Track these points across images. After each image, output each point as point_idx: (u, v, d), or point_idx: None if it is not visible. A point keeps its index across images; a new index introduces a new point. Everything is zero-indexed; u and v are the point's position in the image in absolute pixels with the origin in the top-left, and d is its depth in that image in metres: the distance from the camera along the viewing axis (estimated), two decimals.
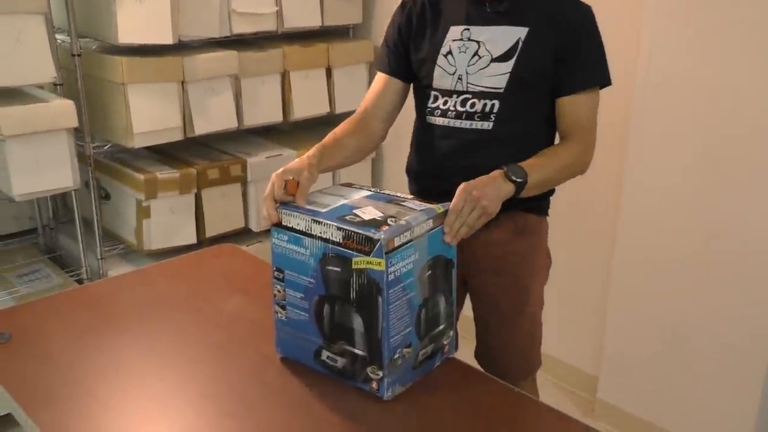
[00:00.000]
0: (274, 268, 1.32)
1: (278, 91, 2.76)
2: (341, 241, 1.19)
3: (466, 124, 1.48)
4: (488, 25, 1.46)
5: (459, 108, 1.48)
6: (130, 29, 2.31)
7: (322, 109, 2.93)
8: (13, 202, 2.29)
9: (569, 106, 1.46)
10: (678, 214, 2.20)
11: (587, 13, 1.46)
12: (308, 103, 2.87)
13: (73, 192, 2.38)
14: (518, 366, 1.62)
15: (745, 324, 2.11)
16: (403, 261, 1.19)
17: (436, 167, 1.55)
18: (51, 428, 1.17)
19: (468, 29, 1.47)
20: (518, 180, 1.35)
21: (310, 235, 1.23)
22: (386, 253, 1.15)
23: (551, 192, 1.59)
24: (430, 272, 1.26)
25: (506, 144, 1.47)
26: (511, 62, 1.43)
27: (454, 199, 1.27)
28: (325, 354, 1.28)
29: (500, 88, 1.44)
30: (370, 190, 1.37)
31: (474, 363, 1.55)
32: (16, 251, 2.85)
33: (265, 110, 2.74)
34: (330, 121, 3.15)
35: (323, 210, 1.25)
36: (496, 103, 1.45)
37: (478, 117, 1.46)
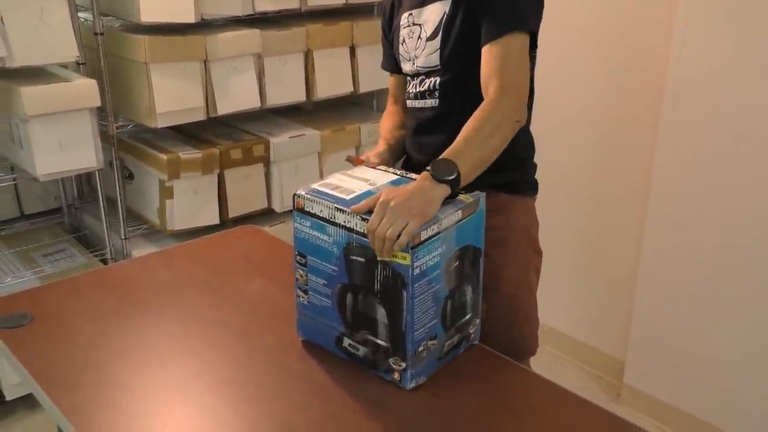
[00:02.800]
0: (297, 253, 1.30)
1: (301, 70, 2.73)
2: (365, 231, 1.16)
3: (420, 103, 1.53)
4: (424, 5, 1.48)
5: (416, 89, 1.53)
6: (153, 8, 2.28)
7: (346, 88, 2.89)
8: (38, 182, 2.30)
9: (485, 57, 1.35)
10: (709, 198, 2.14)
11: None
12: (332, 83, 2.83)
13: (97, 172, 2.37)
14: (499, 348, 1.47)
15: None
16: (430, 254, 1.15)
17: (408, 146, 1.61)
18: (72, 410, 1.17)
19: (411, 13, 1.51)
20: (448, 179, 1.21)
21: (334, 223, 1.20)
22: (412, 248, 1.12)
23: (522, 167, 1.51)
24: (457, 263, 1.23)
25: (452, 118, 1.40)
26: (438, 39, 1.45)
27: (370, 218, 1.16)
28: (346, 341, 1.26)
29: (436, 65, 1.47)
30: (397, 174, 1.34)
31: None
32: (41, 230, 2.86)
33: (288, 90, 2.71)
34: (354, 101, 3.12)
35: (347, 197, 1.22)
36: (438, 79, 1.47)
37: (428, 95, 1.50)
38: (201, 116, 2.48)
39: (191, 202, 2.53)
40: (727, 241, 2.13)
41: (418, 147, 1.56)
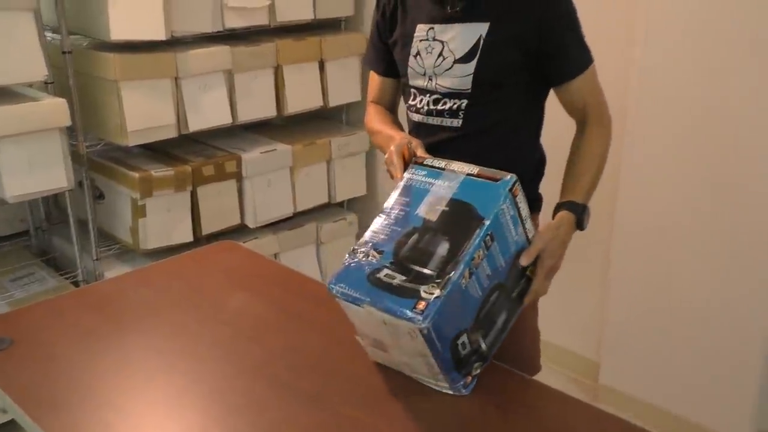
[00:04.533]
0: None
1: (271, 85, 2.74)
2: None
3: (437, 121, 1.48)
4: (450, 23, 1.42)
5: (431, 106, 1.48)
6: (122, 25, 2.27)
7: (316, 102, 2.91)
8: (5, 204, 2.26)
9: (571, 92, 1.44)
10: (678, 198, 2.20)
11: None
12: (302, 97, 2.85)
13: (66, 192, 2.34)
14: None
15: (744, 304, 2.12)
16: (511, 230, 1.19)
17: None
18: None
19: (432, 28, 1.44)
20: (585, 219, 1.40)
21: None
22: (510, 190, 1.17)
23: (531, 185, 1.53)
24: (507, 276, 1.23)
25: (476, 138, 1.46)
26: (473, 63, 1.40)
27: (536, 279, 1.30)
28: (384, 272, 1.13)
29: (467, 89, 1.42)
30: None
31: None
32: (7, 254, 2.81)
33: (258, 105, 2.72)
34: (323, 114, 3.13)
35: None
36: (464, 102, 1.44)
37: (447, 114, 1.46)
38: (173, 133, 2.47)
39: (164, 220, 2.51)
40: (696, 240, 2.19)
41: None
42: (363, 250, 1.17)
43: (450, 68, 1.42)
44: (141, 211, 2.45)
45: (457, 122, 1.46)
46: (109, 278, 1.76)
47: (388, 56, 1.58)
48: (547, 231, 1.31)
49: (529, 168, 1.51)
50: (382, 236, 1.18)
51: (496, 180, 1.19)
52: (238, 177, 2.68)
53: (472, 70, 1.40)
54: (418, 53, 1.47)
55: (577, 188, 1.41)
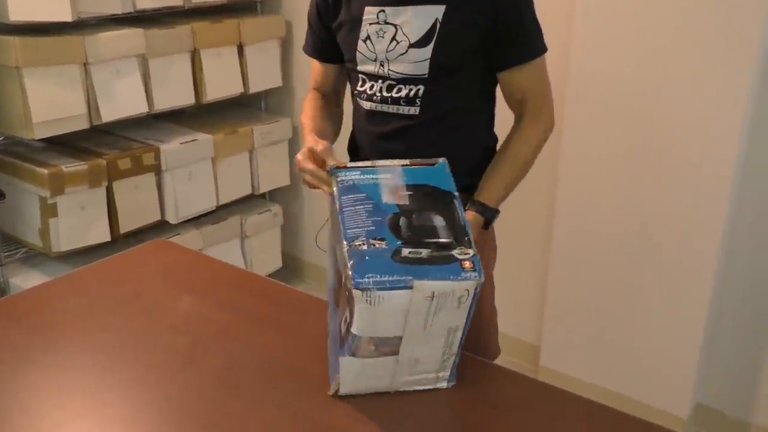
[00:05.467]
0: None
1: (189, 71, 2.56)
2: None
3: (392, 108, 1.41)
4: (403, 5, 1.34)
5: (384, 93, 1.40)
6: (23, 5, 2.05)
7: (236, 89, 2.75)
8: None
9: (511, 81, 1.40)
10: (615, 178, 2.23)
11: None
12: (221, 83, 2.68)
13: None
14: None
15: (681, 282, 2.17)
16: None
17: (367, 150, 1.49)
18: None
19: (383, 11, 1.36)
20: (493, 222, 1.40)
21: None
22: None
23: (485, 148, 1.49)
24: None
25: (433, 125, 1.40)
26: (430, 47, 1.33)
27: None
28: (406, 251, 1.09)
29: (423, 74, 1.35)
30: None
31: None
32: None
33: (176, 92, 2.54)
34: (240, 102, 2.98)
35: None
36: (421, 88, 1.37)
37: (403, 102, 1.39)
38: (84, 124, 2.26)
39: (78, 219, 2.30)
40: (634, 222, 2.22)
41: (384, 153, 1.37)
42: (359, 242, 1.08)
43: (404, 53, 1.35)
44: (51, 210, 2.23)
45: (414, 110, 1.39)
46: (31, 287, 1.56)
47: (329, 41, 1.49)
48: None
49: (483, 154, 1.46)
50: (369, 228, 1.10)
51: (432, 164, 1.21)
52: (157, 170, 2.50)
53: (429, 55, 1.33)
54: (368, 37, 1.38)
55: (493, 191, 1.39)
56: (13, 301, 1.53)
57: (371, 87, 1.42)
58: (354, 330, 1.05)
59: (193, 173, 2.62)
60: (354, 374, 1.12)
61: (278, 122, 2.92)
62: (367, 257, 1.05)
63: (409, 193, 1.16)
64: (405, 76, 1.37)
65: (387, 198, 1.15)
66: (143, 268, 1.61)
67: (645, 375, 2.31)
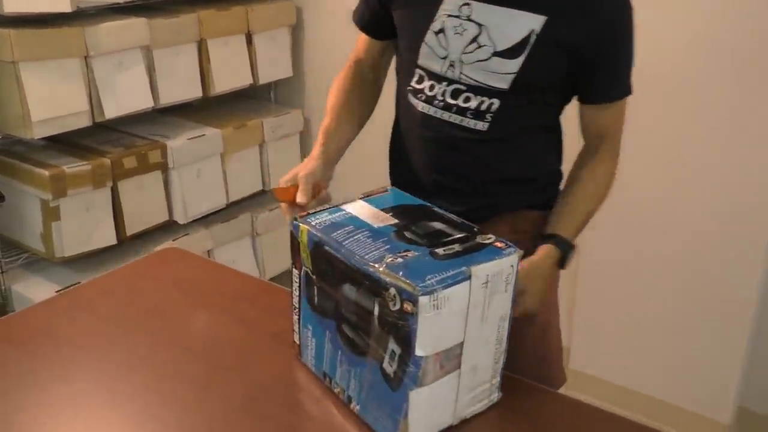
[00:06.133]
0: None
1: (195, 62, 2.43)
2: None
3: (454, 119, 1.22)
4: (496, 4, 1.14)
5: (449, 99, 1.21)
6: None
7: (245, 80, 2.62)
8: None
9: (598, 116, 1.25)
10: (645, 183, 2.11)
11: (626, 3, 1.16)
12: (229, 75, 2.55)
13: None
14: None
15: (723, 283, 2.06)
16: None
17: (420, 157, 1.30)
18: None
19: (469, 4, 1.15)
20: (568, 259, 1.24)
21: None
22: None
23: (558, 182, 1.35)
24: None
25: (498, 146, 1.24)
26: (519, 61, 1.14)
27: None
28: (440, 251, 1.04)
29: (502, 88, 1.17)
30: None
31: None
32: None
33: (182, 85, 2.40)
34: (248, 93, 2.85)
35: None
36: (496, 102, 1.18)
37: (470, 114, 1.20)
38: (86, 122, 2.13)
39: (82, 222, 2.17)
40: (672, 220, 2.11)
41: (439, 166, 1.28)
42: (390, 259, 0.98)
43: (486, 60, 1.15)
44: (54, 213, 2.11)
45: (482, 125, 1.21)
46: (34, 305, 1.44)
47: (383, 17, 1.30)
48: (529, 266, 1.16)
49: (549, 177, 1.33)
50: (384, 247, 1.02)
51: (385, 191, 1.19)
52: (164, 168, 2.37)
53: (516, 69, 1.15)
54: (441, 30, 1.18)
55: (571, 224, 1.24)
56: (16, 320, 1.40)
57: (431, 88, 1.22)
58: (418, 352, 0.94)
59: (202, 170, 2.49)
60: (423, 410, 1.00)
61: (289, 114, 2.79)
62: (411, 266, 0.97)
63: (390, 214, 1.11)
64: (480, 85, 1.18)
65: (375, 223, 1.08)
66: (154, 281, 1.48)
67: (685, 379, 2.19)
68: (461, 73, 1.18)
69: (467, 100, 1.19)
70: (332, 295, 1.06)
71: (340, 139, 1.29)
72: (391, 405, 1.00)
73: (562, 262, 1.22)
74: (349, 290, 1.02)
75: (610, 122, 1.25)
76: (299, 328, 1.18)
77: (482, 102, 1.19)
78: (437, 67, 1.20)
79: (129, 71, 2.20)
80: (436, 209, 1.14)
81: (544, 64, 1.15)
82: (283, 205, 1.19)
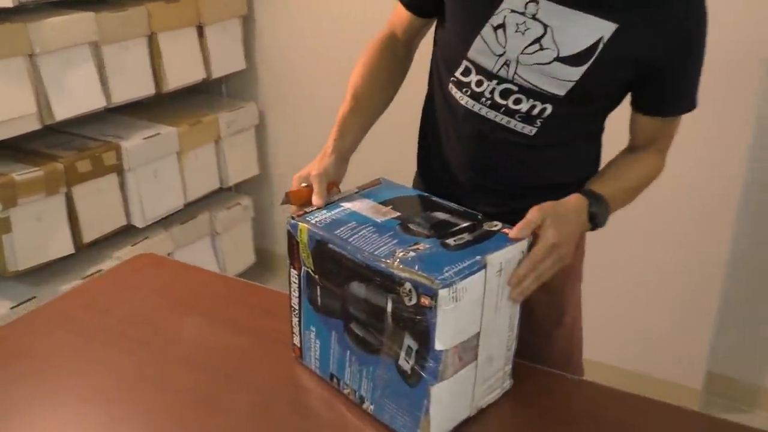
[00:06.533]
0: None
1: (146, 57, 2.31)
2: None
3: (501, 119, 1.14)
4: (565, 5, 1.04)
5: (497, 98, 1.13)
6: None
7: (198, 74, 2.52)
8: None
9: (658, 127, 1.19)
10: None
11: (702, 15, 1.08)
12: (182, 69, 2.44)
13: None
14: None
15: (693, 253, 2.09)
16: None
17: (452, 153, 1.24)
18: None
19: (536, 2, 1.05)
20: (600, 225, 1.11)
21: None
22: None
23: (590, 174, 1.26)
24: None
25: (544, 151, 1.18)
26: (582, 69, 1.06)
27: (535, 248, 0.99)
28: (451, 241, 1.01)
29: (557, 94, 1.10)
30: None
31: None
32: None
33: (134, 82, 2.29)
34: (203, 89, 2.74)
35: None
36: (548, 108, 1.11)
37: (519, 118, 1.14)
38: (35, 125, 2.00)
39: (36, 233, 2.05)
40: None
41: (478, 165, 1.21)
42: (402, 253, 0.95)
43: (546, 64, 1.07)
44: (4, 225, 1.97)
45: (530, 130, 1.14)
46: (10, 322, 1.33)
47: None
48: (553, 204, 1.06)
49: (585, 169, 1.25)
50: (392, 242, 0.99)
51: (378, 183, 1.18)
52: (119, 170, 2.25)
53: (578, 77, 1.07)
54: (502, 26, 1.08)
55: (606, 184, 1.14)
56: None
57: (479, 83, 1.14)
58: (438, 347, 0.91)
59: (158, 170, 2.38)
60: (443, 404, 0.97)
61: (243, 108, 2.69)
62: (425, 259, 0.94)
63: (390, 207, 1.09)
64: (534, 88, 1.10)
65: (377, 217, 1.06)
66: (132, 290, 1.40)
67: (655, 349, 2.23)
68: (515, 73, 1.10)
69: (518, 102, 1.13)
70: (338, 294, 1.02)
71: (358, 129, 1.21)
72: (410, 401, 0.97)
73: (592, 218, 1.10)
74: (357, 288, 0.98)
75: (665, 132, 1.19)
76: (300, 330, 1.12)
77: (534, 106, 1.12)
78: (489, 63, 1.12)
79: (78, 69, 2.08)
80: (433, 198, 1.12)
81: (607, 75, 1.08)
82: (293, 207, 1.11)
